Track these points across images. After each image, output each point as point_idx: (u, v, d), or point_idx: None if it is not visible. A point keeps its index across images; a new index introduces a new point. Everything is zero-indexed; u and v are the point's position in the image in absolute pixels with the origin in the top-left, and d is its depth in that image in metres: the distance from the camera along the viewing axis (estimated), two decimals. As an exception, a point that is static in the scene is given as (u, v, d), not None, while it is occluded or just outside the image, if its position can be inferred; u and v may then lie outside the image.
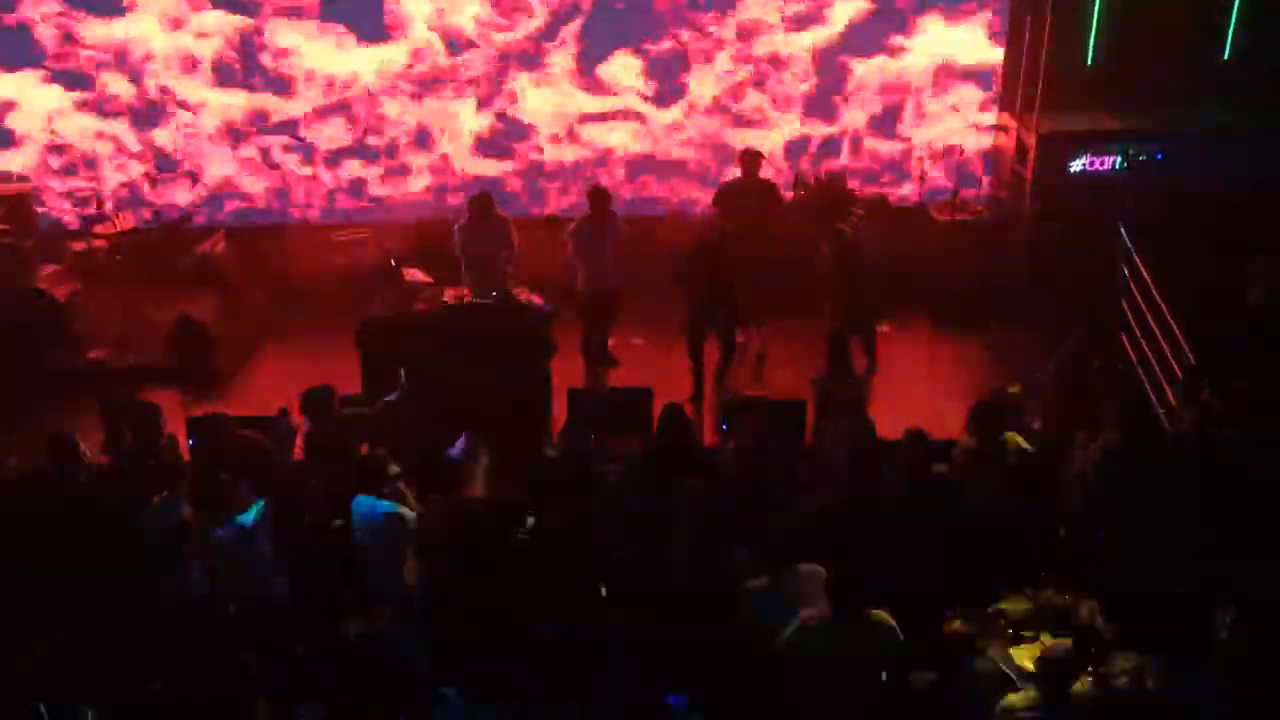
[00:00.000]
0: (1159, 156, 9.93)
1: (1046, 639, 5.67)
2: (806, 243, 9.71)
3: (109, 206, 10.08)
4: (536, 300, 8.87)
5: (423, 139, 11.17)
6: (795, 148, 11.20)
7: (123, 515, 6.44)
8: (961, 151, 10.77)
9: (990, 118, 11.12)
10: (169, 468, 6.54)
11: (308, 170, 11.23)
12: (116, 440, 7.98)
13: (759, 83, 11.00)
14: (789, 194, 10.59)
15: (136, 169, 11.03)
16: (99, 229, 10.12)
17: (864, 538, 6.10)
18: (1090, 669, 5.45)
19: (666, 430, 6.96)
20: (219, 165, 11.16)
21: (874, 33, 10.87)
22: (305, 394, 7.19)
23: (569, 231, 9.36)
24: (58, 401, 9.02)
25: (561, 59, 10.88)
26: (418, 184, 11.28)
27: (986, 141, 11.21)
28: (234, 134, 11.08)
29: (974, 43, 10.90)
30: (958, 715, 5.24)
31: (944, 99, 11.10)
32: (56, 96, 10.84)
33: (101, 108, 10.92)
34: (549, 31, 10.80)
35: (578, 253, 9.24)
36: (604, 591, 6.02)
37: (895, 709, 5.34)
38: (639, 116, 11.12)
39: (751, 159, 9.55)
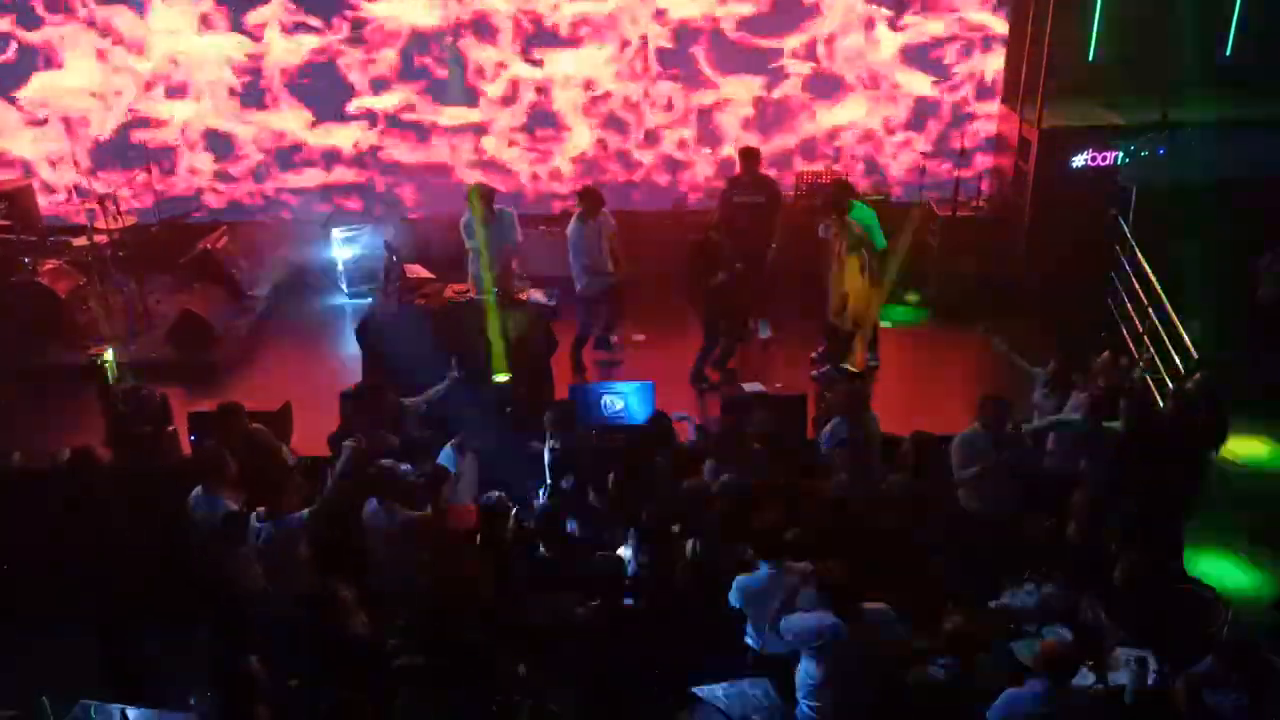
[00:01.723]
0: (1161, 151, 9.91)
1: (1048, 634, 5.68)
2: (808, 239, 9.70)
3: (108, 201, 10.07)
4: (539, 296, 8.87)
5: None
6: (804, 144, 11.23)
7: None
8: (964, 147, 10.75)
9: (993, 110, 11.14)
10: (211, 458, 6.54)
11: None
12: (119, 434, 8.01)
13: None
14: (791, 193, 10.60)
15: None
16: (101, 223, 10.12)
17: (867, 533, 6.11)
18: (1091, 664, 5.47)
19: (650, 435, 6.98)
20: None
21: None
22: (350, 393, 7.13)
23: (567, 230, 9.32)
24: (59, 397, 9.04)
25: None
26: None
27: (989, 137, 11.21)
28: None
29: (977, 37, 10.90)
30: (961, 711, 5.24)
31: (947, 93, 11.10)
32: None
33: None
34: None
35: (573, 250, 9.19)
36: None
37: (902, 705, 5.36)
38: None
39: (750, 156, 9.54)
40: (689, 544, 6.09)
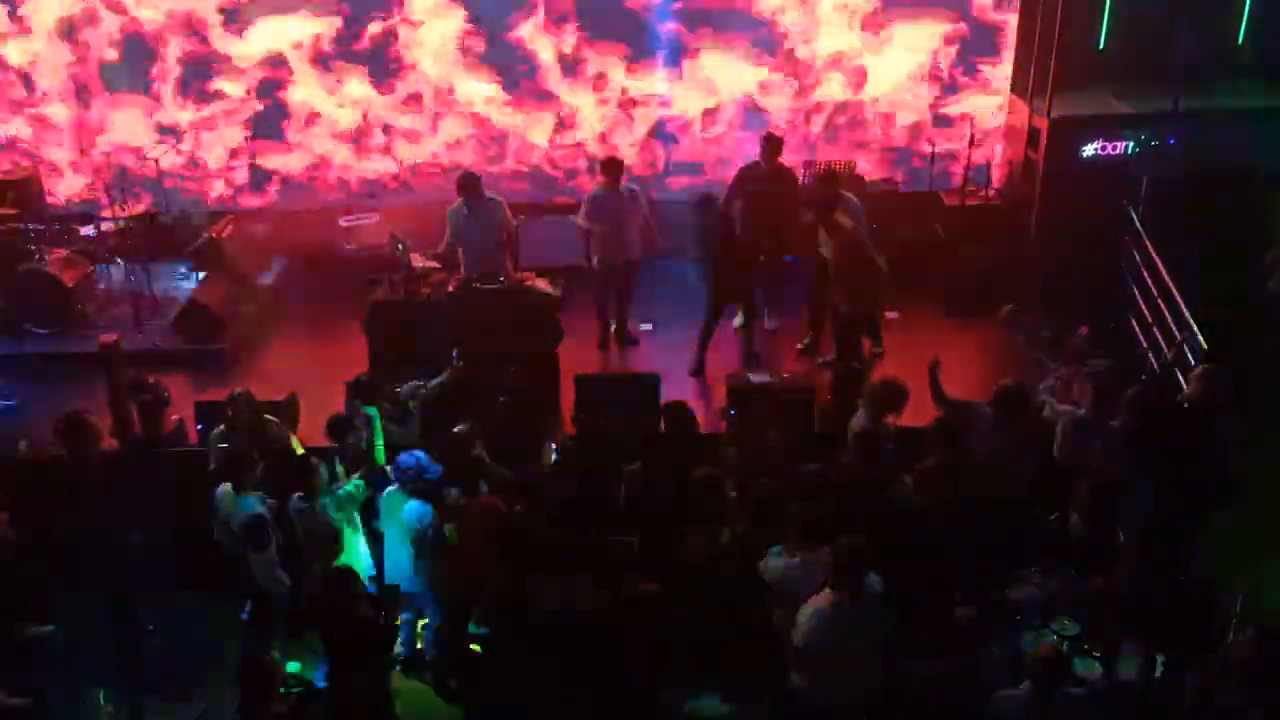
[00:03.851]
0: (1171, 141, 9.84)
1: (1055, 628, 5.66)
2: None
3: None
4: (543, 285, 8.85)
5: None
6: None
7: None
8: (972, 137, 10.70)
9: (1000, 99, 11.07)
10: (238, 456, 6.58)
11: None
12: (125, 424, 8.02)
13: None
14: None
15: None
16: (107, 213, 10.16)
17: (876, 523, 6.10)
18: (1098, 657, 5.46)
19: (671, 428, 6.95)
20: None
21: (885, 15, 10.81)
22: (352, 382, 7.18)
23: (585, 201, 9.31)
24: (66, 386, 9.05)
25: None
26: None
27: (998, 126, 11.14)
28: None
29: (986, 26, 10.83)
30: (965, 701, 5.24)
31: (954, 83, 11.03)
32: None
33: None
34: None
35: (593, 224, 9.18)
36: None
37: (903, 695, 5.36)
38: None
39: (772, 144, 9.51)
40: (724, 531, 6.10)
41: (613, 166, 9.20)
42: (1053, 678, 4.96)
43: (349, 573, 5.80)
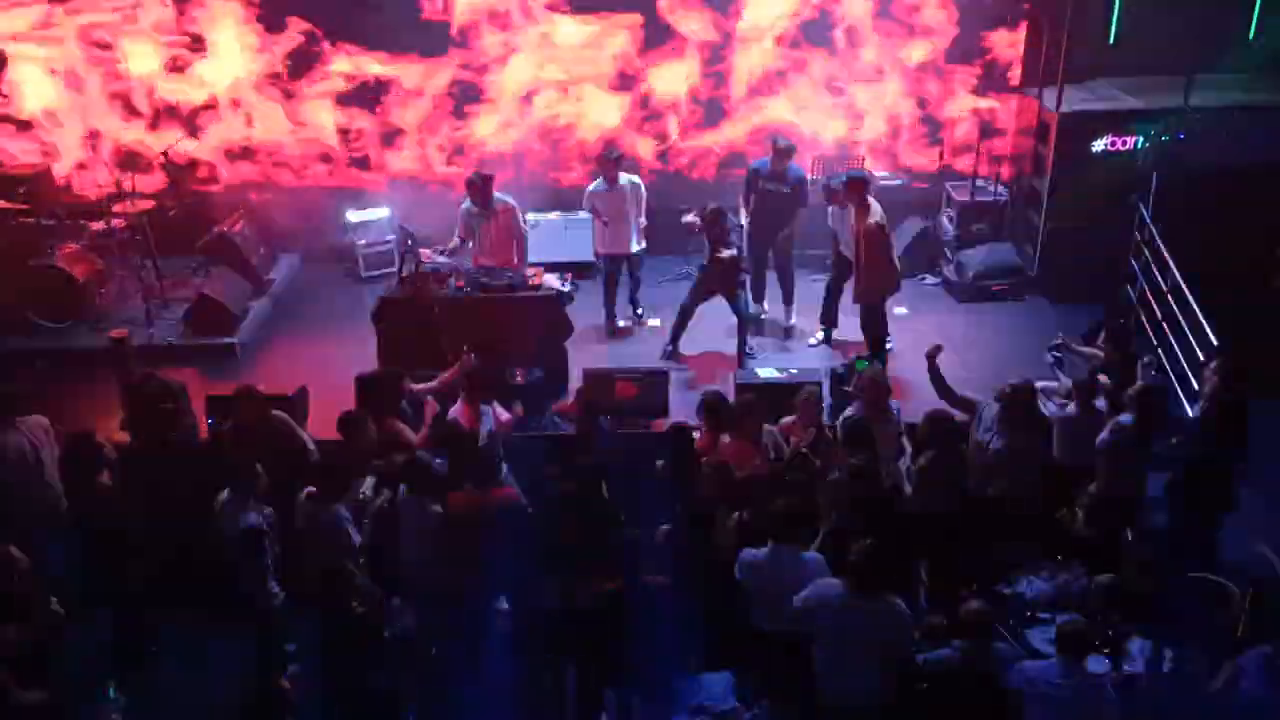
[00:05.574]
0: (1181, 136, 9.81)
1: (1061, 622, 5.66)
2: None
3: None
4: (553, 281, 8.86)
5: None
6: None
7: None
8: (982, 132, 10.68)
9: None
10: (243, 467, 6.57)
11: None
12: (136, 420, 8.03)
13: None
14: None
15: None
16: (119, 207, 10.18)
17: (884, 517, 6.10)
18: (1107, 652, 5.46)
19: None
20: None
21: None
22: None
23: (586, 194, 9.57)
24: (75, 382, 9.09)
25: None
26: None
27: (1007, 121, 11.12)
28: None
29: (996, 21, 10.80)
30: (973, 697, 5.24)
31: (966, 78, 11.01)
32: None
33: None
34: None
35: (594, 217, 9.51)
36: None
37: (916, 687, 5.37)
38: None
39: (784, 152, 9.53)
40: (733, 517, 6.11)
41: (610, 160, 9.39)
42: (1080, 653, 5.03)
43: (343, 571, 5.75)
